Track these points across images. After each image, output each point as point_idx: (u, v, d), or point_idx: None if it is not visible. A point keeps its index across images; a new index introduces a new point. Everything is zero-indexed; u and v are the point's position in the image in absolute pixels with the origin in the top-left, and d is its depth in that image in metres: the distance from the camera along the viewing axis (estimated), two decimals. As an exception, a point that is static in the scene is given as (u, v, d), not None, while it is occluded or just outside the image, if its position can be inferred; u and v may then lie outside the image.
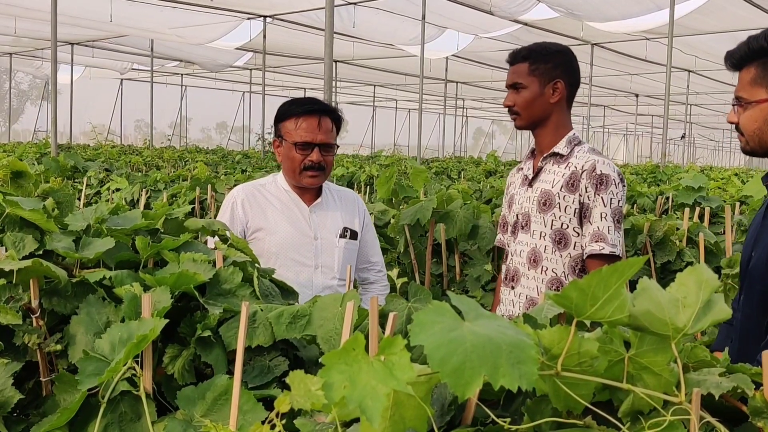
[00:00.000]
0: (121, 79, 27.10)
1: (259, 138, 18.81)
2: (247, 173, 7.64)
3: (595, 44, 15.76)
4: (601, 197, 2.10)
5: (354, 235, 2.47)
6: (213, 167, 9.46)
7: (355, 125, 37.73)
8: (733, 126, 1.78)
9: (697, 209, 3.36)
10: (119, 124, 27.73)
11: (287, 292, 1.60)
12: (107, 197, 4.80)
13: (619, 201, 2.13)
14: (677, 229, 2.46)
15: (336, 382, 0.71)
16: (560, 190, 2.15)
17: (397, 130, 36.74)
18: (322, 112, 2.39)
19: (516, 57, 2.25)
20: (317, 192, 2.47)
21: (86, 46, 18.76)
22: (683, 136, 19.23)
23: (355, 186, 7.40)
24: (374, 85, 27.04)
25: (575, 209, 2.12)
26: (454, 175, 10.06)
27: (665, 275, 2.42)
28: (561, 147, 2.21)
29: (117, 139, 24.27)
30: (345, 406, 0.71)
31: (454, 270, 2.90)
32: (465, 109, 33.22)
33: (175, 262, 1.42)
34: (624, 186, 2.16)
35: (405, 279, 1.26)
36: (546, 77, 2.20)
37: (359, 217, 2.53)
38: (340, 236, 2.43)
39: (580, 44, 15.03)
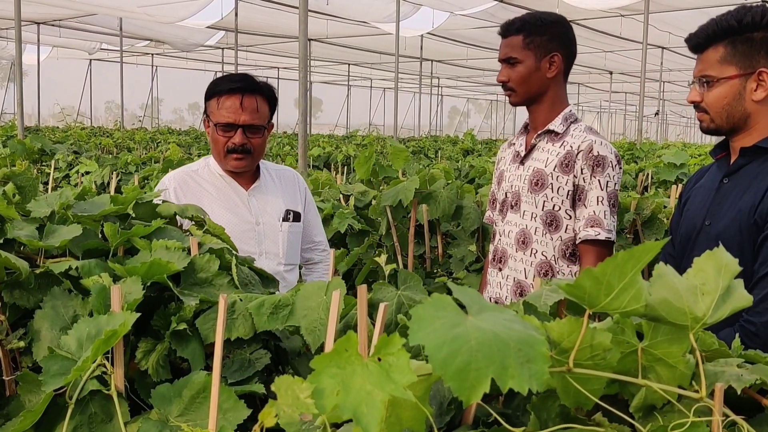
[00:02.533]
0: (90, 60, 26.54)
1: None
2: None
3: (570, 21, 15.69)
4: (598, 180, 2.02)
5: (297, 217, 2.35)
6: (186, 148, 9.30)
7: (329, 105, 37.46)
8: (693, 106, 1.81)
9: (679, 186, 3.32)
10: (89, 105, 27.19)
11: (267, 281, 1.52)
12: (76, 180, 4.65)
13: (615, 184, 2.05)
14: (665, 207, 2.42)
15: (327, 388, 0.63)
16: (554, 170, 2.06)
17: (372, 109, 36.52)
18: (247, 90, 2.21)
19: (509, 29, 2.13)
20: (254, 174, 2.32)
21: (53, 25, 18.28)
22: (657, 113, 19.38)
23: (332, 166, 7.30)
24: (349, 64, 26.79)
25: (568, 191, 2.04)
26: (431, 155, 9.99)
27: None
28: (556, 124, 2.11)
29: (87, 120, 23.81)
30: (338, 415, 0.64)
31: (436, 251, 2.83)
32: (440, 88, 33.10)
33: (147, 250, 1.33)
34: (621, 168, 2.08)
35: (393, 266, 1.18)
36: (542, 50, 2.09)
37: (301, 197, 2.41)
38: (283, 219, 2.31)
39: (555, 21, 14.91)
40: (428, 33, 17.63)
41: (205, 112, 2.29)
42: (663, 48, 18.78)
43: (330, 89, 36.35)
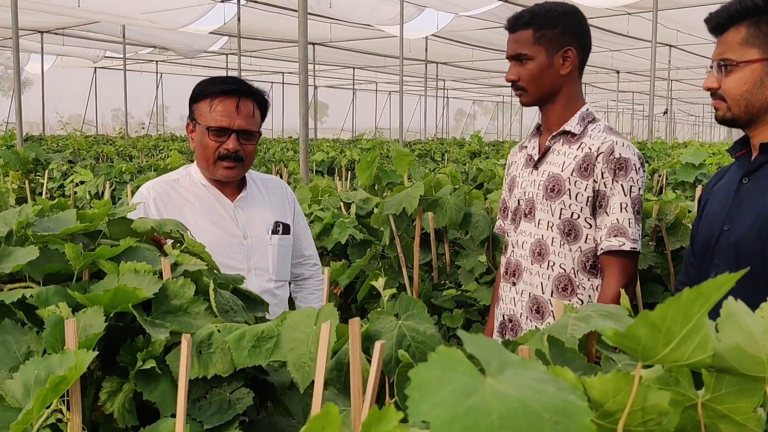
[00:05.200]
0: (95, 68, 26.51)
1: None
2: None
3: (576, 20, 15.46)
4: (621, 185, 1.83)
5: (287, 229, 2.17)
6: (188, 155, 9.16)
7: (335, 109, 37.38)
8: (710, 93, 1.66)
9: (699, 187, 3.15)
10: (95, 113, 27.15)
11: (255, 303, 1.36)
12: (70, 191, 4.51)
13: (639, 189, 1.86)
14: (689, 211, 2.24)
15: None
16: (571, 174, 1.87)
17: (377, 112, 36.39)
18: (242, 93, 2.05)
19: (517, 23, 1.93)
20: (240, 184, 2.15)
21: (56, 34, 18.23)
22: (665, 112, 19.14)
23: (336, 171, 7.14)
24: (353, 68, 26.65)
25: (588, 197, 1.86)
26: (438, 158, 9.83)
27: (677, 262, 2.20)
28: (573, 125, 1.92)
29: (93, 129, 23.76)
30: None
31: (443, 260, 2.67)
32: (446, 90, 32.91)
33: (115, 274, 1.17)
34: (644, 171, 1.89)
35: (393, 290, 1.02)
36: (554, 45, 1.90)
37: (289, 208, 2.24)
38: (272, 232, 2.13)
39: (561, 21, 14.73)
40: (433, 35, 17.46)
41: (191, 115, 2.11)
42: (671, 46, 18.55)
43: (336, 93, 36.21)
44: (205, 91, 2.08)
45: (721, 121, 1.65)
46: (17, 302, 1.09)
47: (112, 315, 1.07)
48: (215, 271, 1.33)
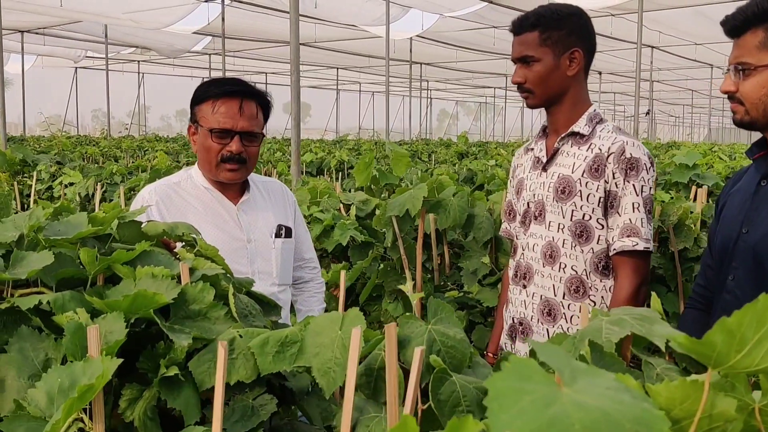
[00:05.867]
0: (76, 68, 26.25)
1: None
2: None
3: (560, 21, 15.55)
4: (632, 184, 1.83)
5: (289, 233, 2.16)
6: (174, 156, 9.09)
7: (318, 109, 37.34)
8: (727, 96, 1.65)
9: (693, 188, 3.16)
10: (75, 114, 26.89)
11: (269, 307, 1.34)
12: (59, 192, 4.44)
13: (650, 189, 1.86)
14: (691, 212, 2.25)
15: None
16: (582, 175, 1.86)
17: (361, 113, 36.37)
18: (246, 94, 2.03)
19: (522, 25, 1.92)
20: (242, 187, 2.12)
21: (37, 33, 18.02)
22: (648, 112, 19.28)
23: (326, 172, 7.11)
24: (337, 68, 26.60)
25: (600, 198, 1.85)
26: (425, 158, 9.83)
27: (682, 263, 2.21)
28: (581, 125, 1.92)
29: (73, 129, 23.52)
30: None
31: (443, 262, 2.66)
32: (429, 91, 32.97)
33: (131, 279, 1.15)
34: (654, 171, 1.89)
35: (421, 294, 1.00)
36: (561, 46, 1.89)
37: (290, 210, 2.22)
38: (276, 236, 2.11)
39: (545, 22, 14.79)
40: (417, 35, 17.48)
41: (193, 118, 2.08)
42: (653, 47, 18.72)
43: (319, 93, 36.16)
44: (208, 93, 2.04)
45: (740, 124, 1.64)
46: (33, 309, 1.06)
47: (131, 321, 1.05)
48: (230, 276, 1.31)
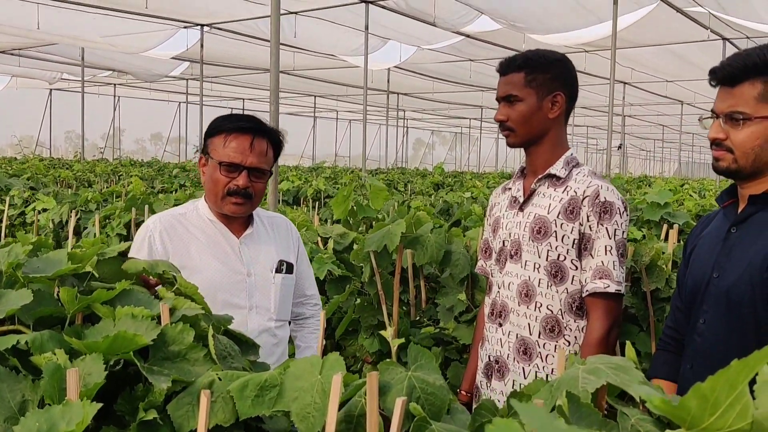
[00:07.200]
0: (50, 90, 26.04)
1: (197, 150, 18.28)
2: (187, 189, 7.25)
3: (535, 56, 15.82)
4: (606, 228, 1.88)
5: (290, 269, 2.18)
6: (149, 182, 9.03)
7: (295, 136, 37.39)
8: (712, 143, 1.65)
9: (665, 227, 3.23)
10: (48, 135, 26.60)
11: (247, 346, 1.34)
12: (32, 219, 4.38)
13: (623, 232, 1.91)
14: (663, 252, 2.30)
15: None
16: (557, 216, 1.91)
17: (338, 140, 36.52)
18: (258, 131, 2.07)
19: (509, 66, 1.98)
20: (247, 221, 2.16)
21: (12, 54, 17.87)
22: (620, 146, 19.57)
23: (302, 201, 7.11)
24: (315, 96, 26.73)
25: (574, 239, 1.90)
26: (401, 188, 9.87)
27: (654, 303, 2.25)
28: (558, 168, 1.97)
29: (46, 151, 23.27)
30: None
31: (419, 297, 2.67)
32: (406, 120, 33.24)
33: (110, 319, 1.14)
34: (628, 215, 1.94)
35: (402, 340, 1.02)
36: (544, 89, 1.95)
37: (294, 247, 2.25)
38: (276, 271, 2.14)
39: (521, 56, 15.05)
40: (395, 66, 17.66)
41: (205, 149, 2.12)
42: (625, 83, 19.12)
43: (295, 120, 36.26)
44: (221, 127, 2.09)
45: (724, 171, 1.64)
46: (10, 349, 1.06)
47: (110, 362, 1.05)
48: (209, 315, 1.31)
